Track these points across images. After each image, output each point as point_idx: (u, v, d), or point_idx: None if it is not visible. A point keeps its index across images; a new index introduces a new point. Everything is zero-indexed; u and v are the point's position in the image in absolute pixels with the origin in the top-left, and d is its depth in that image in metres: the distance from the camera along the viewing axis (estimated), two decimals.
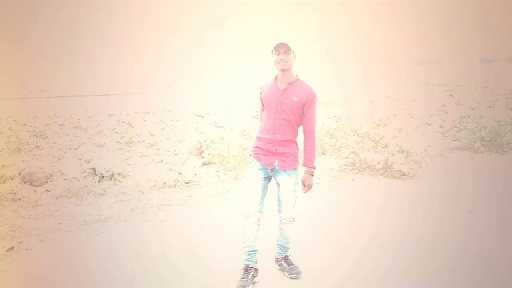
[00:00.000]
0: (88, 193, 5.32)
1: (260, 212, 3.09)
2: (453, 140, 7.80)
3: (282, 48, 2.91)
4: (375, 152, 6.47)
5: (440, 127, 9.96)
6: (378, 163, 5.92)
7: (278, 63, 2.94)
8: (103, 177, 6.02)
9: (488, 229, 4.04)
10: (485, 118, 8.54)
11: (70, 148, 8.34)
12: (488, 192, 5.20)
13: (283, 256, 3.33)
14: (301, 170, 3.13)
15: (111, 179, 5.93)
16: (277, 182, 3.12)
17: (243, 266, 3.14)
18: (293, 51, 2.96)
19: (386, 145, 6.41)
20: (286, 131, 3.01)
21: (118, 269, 3.40)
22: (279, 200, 3.13)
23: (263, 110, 3.15)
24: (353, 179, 5.84)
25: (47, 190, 5.41)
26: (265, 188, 3.11)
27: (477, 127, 7.55)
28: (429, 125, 10.58)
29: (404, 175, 5.89)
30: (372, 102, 17.45)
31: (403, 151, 6.14)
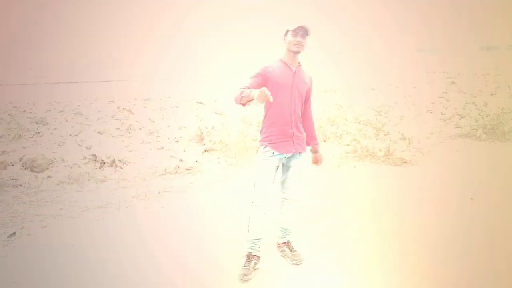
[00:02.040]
0: (89, 180, 5.32)
1: (267, 202, 3.05)
2: (455, 127, 7.76)
3: (301, 31, 2.90)
4: (377, 139, 6.44)
5: (442, 114, 9.92)
6: (380, 150, 5.90)
7: (294, 44, 2.91)
8: (104, 163, 6.01)
9: (489, 216, 4.03)
10: (489, 105, 8.49)
11: (70, 135, 8.33)
12: (490, 179, 5.18)
13: (286, 242, 3.34)
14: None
15: (112, 166, 5.93)
16: (287, 167, 3.13)
17: (246, 254, 3.14)
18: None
19: (388, 133, 6.38)
20: (299, 113, 3.07)
21: (119, 255, 3.41)
22: (284, 181, 3.17)
23: (256, 87, 2.85)
24: (354, 166, 5.83)
25: (48, 176, 5.41)
26: (274, 179, 3.07)
27: (479, 115, 7.51)
28: (431, 112, 10.54)
29: (405, 162, 5.88)
30: (372, 89, 17.38)
31: (405, 139, 6.12)
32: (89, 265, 3.25)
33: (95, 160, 6.15)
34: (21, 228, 3.89)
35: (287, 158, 3.07)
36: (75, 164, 5.92)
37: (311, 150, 3.34)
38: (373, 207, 4.38)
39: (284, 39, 2.99)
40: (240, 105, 2.94)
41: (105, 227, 3.97)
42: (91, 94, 12.17)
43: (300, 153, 3.10)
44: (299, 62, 3.05)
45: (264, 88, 2.63)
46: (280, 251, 3.34)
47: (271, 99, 2.63)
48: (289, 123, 2.98)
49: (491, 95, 13.64)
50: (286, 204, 3.22)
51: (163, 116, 11.24)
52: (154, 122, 10.05)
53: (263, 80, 2.95)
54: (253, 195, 3.04)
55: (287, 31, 2.95)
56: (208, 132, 7.05)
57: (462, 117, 8.68)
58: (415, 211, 4.21)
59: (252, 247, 3.13)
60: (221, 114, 11.18)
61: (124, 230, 3.89)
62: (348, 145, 6.12)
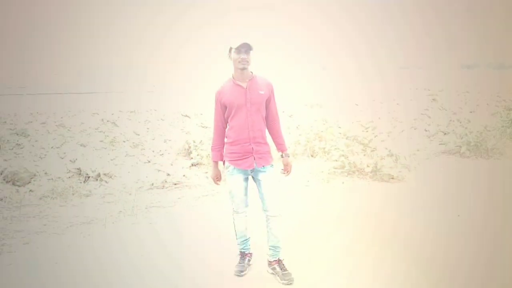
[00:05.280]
0: (73, 194, 5.18)
1: (246, 206, 3.29)
2: (439, 144, 7.88)
3: (244, 48, 2.93)
4: (364, 155, 6.48)
5: (426, 131, 10.08)
6: (368, 166, 5.93)
7: (239, 62, 2.95)
8: (89, 177, 5.87)
9: (475, 232, 4.07)
10: (472, 122, 8.67)
11: (52, 147, 8.12)
12: (475, 196, 5.25)
13: (276, 259, 3.28)
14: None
15: (97, 180, 5.79)
16: (258, 181, 3.16)
17: (239, 253, 3.42)
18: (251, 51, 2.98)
19: (375, 148, 6.43)
20: (260, 126, 3.10)
21: (106, 273, 3.30)
22: (263, 198, 3.16)
23: (221, 116, 3.13)
24: (343, 182, 5.84)
25: (30, 190, 5.24)
26: (246, 187, 3.23)
27: (463, 132, 7.65)
28: (415, 129, 10.71)
29: (393, 178, 5.92)
30: (357, 105, 17.57)
31: (392, 155, 6.17)
32: (74, 284, 3.13)
33: (79, 173, 6.00)
34: (2, 245, 3.73)
35: (253, 171, 3.13)
36: (59, 177, 5.76)
37: (281, 155, 3.33)
38: (363, 222, 4.37)
39: (229, 57, 3.04)
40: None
41: (91, 244, 3.85)
42: (75, 105, 11.95)
43: (264, 166, 3.10)
44: (252, 74, 3.07)
45: (212, 178, 3.29)
46: (271, 269, 3.29)
47: (218, 184, 3.31)
48: (247, 140, 3.05)
49: (471, 112, 13.96)
50: (270, 221, 3.19)
51: (148, 128, 11.09)
52: (138, 135, 9.91)
53: (221, 106, 3.10)
54: (232, 203, 3.27)
55: (230, 48, 2.99)
56: (196, 146, 6.98)
57: (445, 134, 8.84)
58: (404, 227, 4.21)
59: (243, 247, 3.41)
60: (207, 127, 11.12)
61: (111, 247, 3.78)
62: (336, 160, 6.13)
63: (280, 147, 3.29)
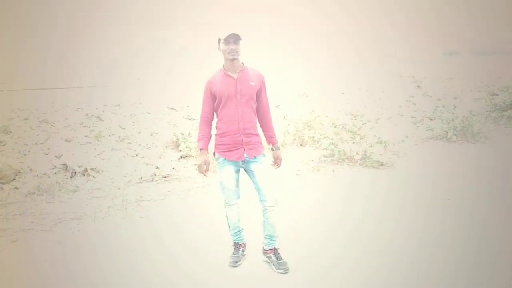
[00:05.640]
0: (60, 190, 5.07)
1: (238, 198, 3.25)
2: (426, 130, 7.95)
3: (232, 38, 2.89)
4: (353, 143, 6.50)
5: (412, 117, 10.17)
6: (357, 153, 5.94)
7: (229, 53, 2.91)
8: (76, 172, 5.76)
9: (465, 215, 4.12)
10: (458, 108, 8.77)
11: (36, 143, 7.93)
12: (463, 180, 5.32)
13: (272, 248, 3.26)
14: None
15: (84, 175, 5.68)
16: (251, 172, 3.10)
17: (233, 244, 3.39)
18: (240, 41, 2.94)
19: (364, 136, 6.45)
20: (251, 118, 3.05)
21: (98, 268, 3.24)
22: (259, 189, 3.11)
23: (209, 106, 3.08)
24: (333, 170, 5.85)
25: (15, 188, 5.12)
26: (238, 179, 3.18)
27: (450, 117, 7.73)
28: (401, 115, 10.80)
29: (382, 165, 5.95)
30: (343, 93, 17.62)
31: (381, 142, 6.19)
32: (66, 281, 3.06)
33: (65, 169, 5.87)
34: None
35: (244, 163, 3.07)
36: (44, 174, 5.63)
37: (271, 149, 3.30)
38: (354, 210, 4.38)
39: (218, 48, 3.00)
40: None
41: (80, 240, 3.77)
42: (58, 100, 11.71)
43: (255, 156, 3.05)
44: (243, 65, 3.03)
45: (199, 165, 3.05)
46: (267, 257, 3.27)
47: (205, 175, 3.08)
48: (237, 131, 3.00)
49: (455, 98, 14.13)
50: (268, 211, 3.15)
51: (133, 122, 10.93)
52: (124, 128, 9.76)
53: (211, 96, 3.05)
54: (223, 195, 3.23)
55: (219, 40, 2.95)
56: (185, 138, 6.90)
57: (431, 120, 8.91)
58: (395, 212, 4.24)
59: (237, 238, 3.38)
60: (193, 119, 11.01)
61: (102, 243, 3.71)
62: (326, 149, 6.13)
63: (271, 140, 3.26)
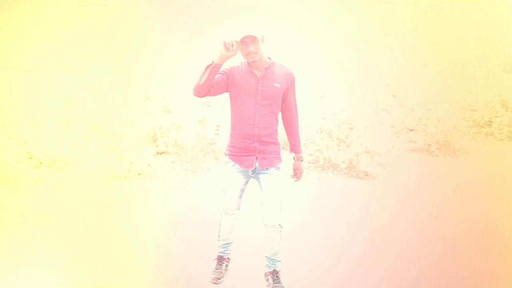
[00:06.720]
0: (23, 182, 4.62)
1: (238, 209, 2.90)
2: (409, 141, 7.89)
3: (249, 39, 2.49)
4: (338, 150, 6.32)
5: (392, 127, 10.14)
6: (343, 162, 5.76)
7: (247, 55, 2.53)
8: (41, 163, 5.30)
9: (448, 230, 4.00)
10: (441, 121, 8.77)
11: None
12: (449, 194, 5.22)
13: (272, 271, 2.88)
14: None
15: (51, 166, 5.23)
16: (259, 184, 2.76)
17: (216, 257, 3.03)
18: (262, 37, 2.53)
19: (351, 143, 6.29)
20: (270, 123, 2.65)
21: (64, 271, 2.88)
22: (264, 204, 2.75)
23: (217, 87, 2.58)
24: (318, 178, 5.64)
25: None
26: (244, 190, 2.82)
27: (433, 130, 7.70)
28: (381, 124, 10.77)
29: (367, 175, 5.79)
30: (321, 97, 17.56)
31: (368, 152, 6.05)
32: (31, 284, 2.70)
33: (30, 158, 5.40)
34: None
35: (254, 173, 2.72)
36: (5, 162, 5.16)
37: (293, 158, 2.93)
38: (342, 219, 4.19)
39: (238, 52, 2.56)
40: (201, 93, 2.55)
41: (46, 239, 3.38)
42: (26, 83, 11.04)
43: (267, 168, 2.69)
44: (269, 62, 2.64)
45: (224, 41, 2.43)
46: (266, 279, 2.90)
47: (235, 46, 2.45)
48: (250, 137, 2.64)
49: (427, 110, 14.28)
50: (268, 230, 2.78)
51: (106, 110, 10.43)
52: (97, 117, 9.27)
53: (226, 80, 2.61)
54: (223, 202, 2.88)
55: (237, 43, 2.51)
56: (163, 133, 6.53)
57: (413, 130, 8.89)
58: (381, 224, 4.08)
59: (223, 251, 3.03)
60: (169, 112, 10.60)
61: (70, 240, 3.34)
62: (311, 155, 5.92)
63: (294, 148, 2.89)
